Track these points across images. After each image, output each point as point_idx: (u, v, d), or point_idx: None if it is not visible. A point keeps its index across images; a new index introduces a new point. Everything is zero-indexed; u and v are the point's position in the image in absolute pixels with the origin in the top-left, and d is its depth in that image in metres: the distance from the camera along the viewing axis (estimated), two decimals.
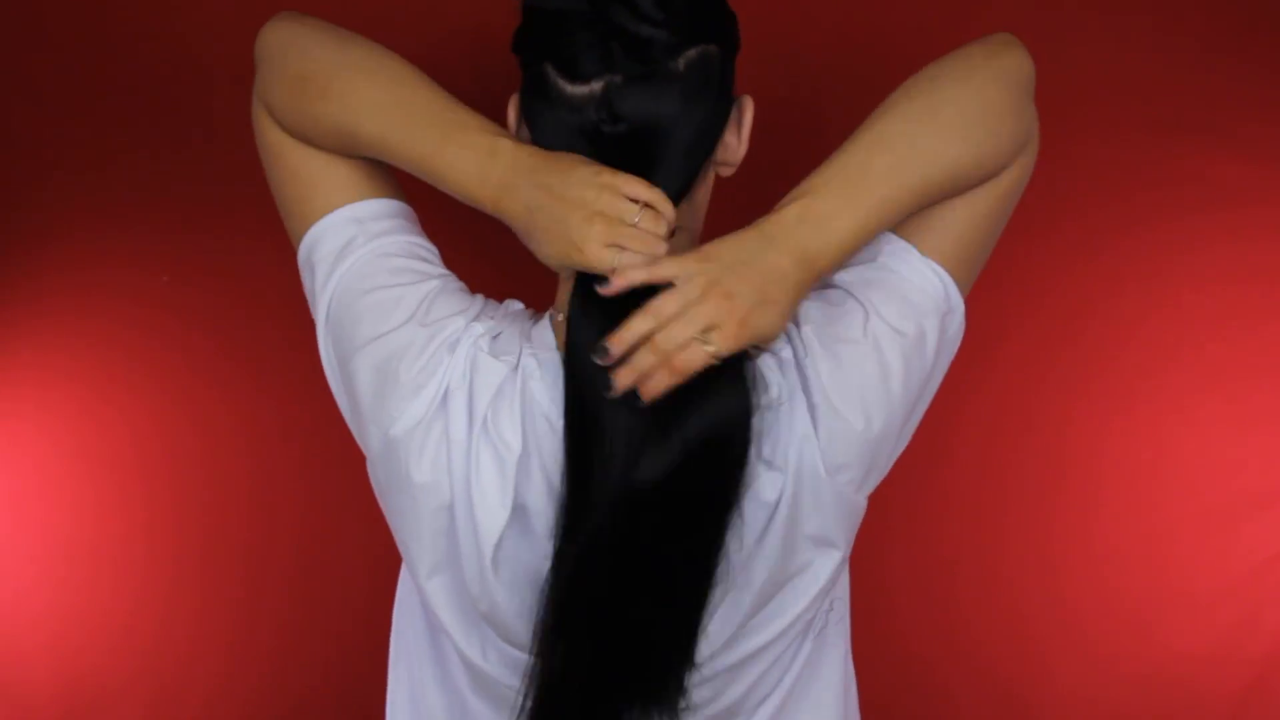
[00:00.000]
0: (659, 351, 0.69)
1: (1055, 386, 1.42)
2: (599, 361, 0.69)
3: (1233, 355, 1.39)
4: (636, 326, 0.69)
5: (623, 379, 0.69)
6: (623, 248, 0.70)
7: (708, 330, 0.68)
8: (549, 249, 0.72)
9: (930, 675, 1.51)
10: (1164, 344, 1.40)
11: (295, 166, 0.81)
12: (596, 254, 0.70)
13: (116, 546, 1.53)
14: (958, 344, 0.84)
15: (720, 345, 0.69)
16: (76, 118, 1.46)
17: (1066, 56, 1.36)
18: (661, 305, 0.69)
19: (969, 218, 0.80)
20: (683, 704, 0.76)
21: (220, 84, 1.42)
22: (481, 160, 0.74)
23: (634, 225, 0.70)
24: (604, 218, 0.70)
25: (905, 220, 0.78)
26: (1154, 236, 1.37)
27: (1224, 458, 1.41)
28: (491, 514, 0.75)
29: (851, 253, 0.74)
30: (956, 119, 0.75)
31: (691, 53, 0.74)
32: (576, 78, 0.73)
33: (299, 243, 0.84)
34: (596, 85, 0.73)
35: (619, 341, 0.69)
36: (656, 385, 0.69)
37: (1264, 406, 1.39)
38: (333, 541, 1.51)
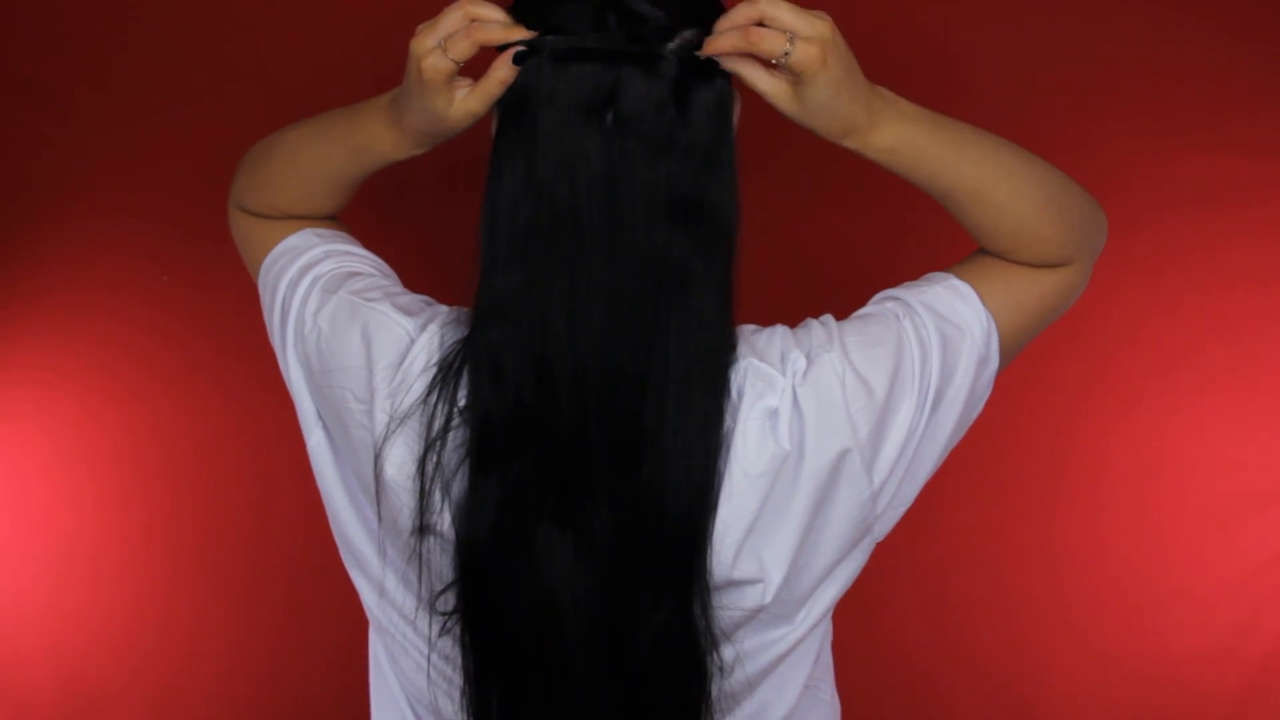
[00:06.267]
0: (748, 19, 0.71)
1: (1056, 386, 1.42)
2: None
3: (1233, 356, 1.39)
4: (746, 10, 0.71)
5: (721, 41, 0.71)
6: (445, 48, 0.71)
7: (795, 40, 0.70)
8: (413, 118, 0.77)
9: (929, 675, 1.51)
10: (1164, 344, 1.40)
11: (262, 234, 0.94)
12: (431, 64, 0.72)
13: (116, 546, 1.53)
14: (982, 404, 0.85)
15: (798, 54, 0.70)
16: (76, 117, 1.46)
17: (1067, 56, 1.37)
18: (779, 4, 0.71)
19: (1026, 289, 0.83)
20: None
21: (223, 83, 1.42)
22: (382, 119, 0.81)
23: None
24: (417, 52, 0.73)
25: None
26: (1154, 237, 1.37)
27: (1224, 458, 1.41)
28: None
29: (897, 151, 0.77)
30: (1040, 173, 0.82)
31: (686, 35, 0.73)
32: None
33: (259, 267, 0.94)
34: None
35: (730, 19, 0.71)
36: (722, 44, 0.71)
37: (1264, 407, 1.39)
38: (333, 541, 1.50)
